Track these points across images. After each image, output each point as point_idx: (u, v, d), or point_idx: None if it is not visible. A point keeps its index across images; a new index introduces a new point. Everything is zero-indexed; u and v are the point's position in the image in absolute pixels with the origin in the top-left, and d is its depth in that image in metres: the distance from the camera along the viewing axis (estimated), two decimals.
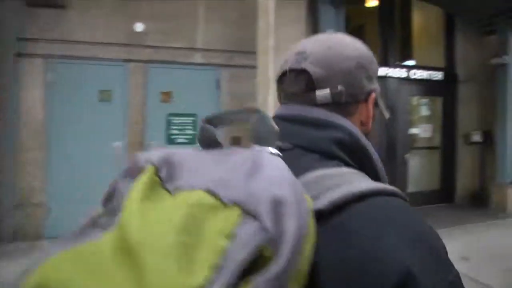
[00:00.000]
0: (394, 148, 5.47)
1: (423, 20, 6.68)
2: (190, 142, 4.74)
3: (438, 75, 5.89)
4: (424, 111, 6.08)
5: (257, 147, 0.44)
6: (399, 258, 0.40)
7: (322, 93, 0.54)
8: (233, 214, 0.36)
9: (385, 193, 0.46)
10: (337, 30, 4.38)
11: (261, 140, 0.45)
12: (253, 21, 4.38)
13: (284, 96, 0.59)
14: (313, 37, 0.61)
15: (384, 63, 5.44)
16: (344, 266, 0.40)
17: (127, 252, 0.34)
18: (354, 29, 6.69)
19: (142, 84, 4.62)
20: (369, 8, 5.72)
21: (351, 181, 0.46)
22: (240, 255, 0.33)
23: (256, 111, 0.47)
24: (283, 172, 0.40)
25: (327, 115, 0.54)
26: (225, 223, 0.35)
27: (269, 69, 4.04)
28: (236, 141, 0.46)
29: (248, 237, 0.34)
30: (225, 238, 0.34)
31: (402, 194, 0.48)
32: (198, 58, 4.83)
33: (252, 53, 4.41)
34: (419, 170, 5.90)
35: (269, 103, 3.96)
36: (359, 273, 0.39)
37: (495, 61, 5.53)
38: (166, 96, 4.75)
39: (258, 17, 4.28)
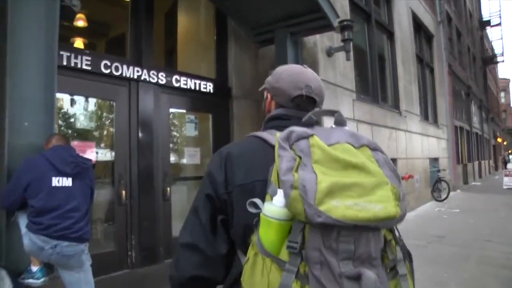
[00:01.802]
0: (151, 177, 4.57)
1: (192, 22, 6.29)
2: None
3: (207, 87, 5.45)
4: (191, 131, 5.48)
5: (340, 127, 0.98)
6: None
7: (319, 108, 1.21)
8: (367, 149, 0.92)
9: None
10: None
11: (341, 124, 0.99)
12: None
13: (298, 106, 1.17)
14: (309, 74, 1.21)
15: (137, 62, 4.59)
16: None
17: (353, 167, 0.84)
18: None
19: None
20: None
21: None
22: (389, 161, 0.92)
23: (337, 111, 1.01)
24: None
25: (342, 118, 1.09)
26: (366, 153, 0.91)
27: None
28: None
29: (383, 157, 0.92)
30: (372, 157, 0.90)
31: None
32: None
33: None
34: (185, 208, 5.19)
35: None
36: None
37: None
38: None
39: None
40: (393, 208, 0.80)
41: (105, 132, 4.42)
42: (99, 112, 4.32)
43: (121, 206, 4.26)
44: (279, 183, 0.84)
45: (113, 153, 4.32)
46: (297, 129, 0.90)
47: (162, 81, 4.81)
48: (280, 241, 0.84)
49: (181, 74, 5.13)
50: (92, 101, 4.27)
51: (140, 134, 4.50)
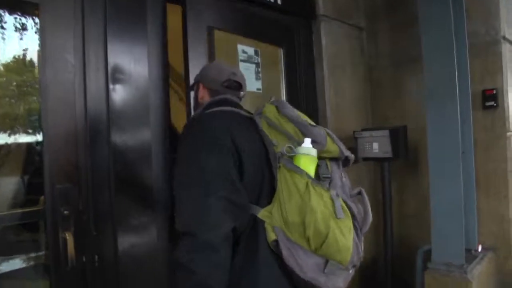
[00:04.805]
0: (148, 191, 1.98)
1: None
2: None
3: None
4: (250, 80, 2.54)
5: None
6: None
7: (243, 92, 1.49)
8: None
9: None
10: None
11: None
12: None
13: (228, 88, 1.45)
14: (231, 65, 1.60)
15: None
16: None
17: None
18: None
19: None
20: None
21: None
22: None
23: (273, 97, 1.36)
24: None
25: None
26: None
27: None
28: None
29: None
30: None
31: None
32: None
33: None
34: None
35: None
36: None
37: None
38: None
39: None
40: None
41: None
42: None
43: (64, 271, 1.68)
44: (302, 136, 1.22)
45: (39, 143, 1.72)
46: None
47: None
48: (313, 170, 1.17)
49: None
50: None
51: (112, 88, 1.86)
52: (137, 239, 1.89)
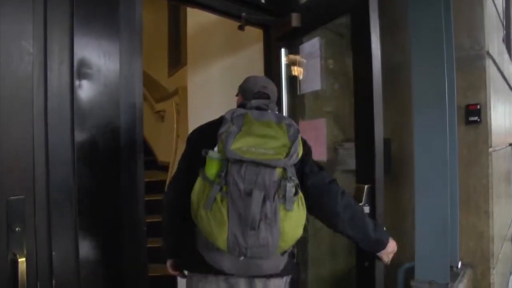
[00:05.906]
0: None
1: None
2: None
3: None
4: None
5: (272, 111, 1.63)
6: None
7: (272, 103, 1.72)
8: (284, 124, 1.48)
9: None
10: None
11: (273, 110, 1.66)
12: None
13: (255, 100, 1.66)
14: (266, 79, 1.84)
15: None
16: None
17: (265, 130, 1.45)
18: None
19: None
20: None
21: None
22: (296, 131, 1.49)
23: (272, 102, 1.73)
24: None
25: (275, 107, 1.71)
26: (283, 128, 1.47)
27: None
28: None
29: (293, 128, 1.48)
30: (285, 128, 1.47)
31: None
32: None
33: None
34: None
35: None
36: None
37: None
38: None
39: None
40: (281, 154, 1.37)
41: None
42: None
43: None
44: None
45: None
46: (239, 109, 1.54)
47: None
48: (216, 172, 1.39)
49: None
50: None
51: (78, 84, 1.62)
52: (103, 258, 1.64)
